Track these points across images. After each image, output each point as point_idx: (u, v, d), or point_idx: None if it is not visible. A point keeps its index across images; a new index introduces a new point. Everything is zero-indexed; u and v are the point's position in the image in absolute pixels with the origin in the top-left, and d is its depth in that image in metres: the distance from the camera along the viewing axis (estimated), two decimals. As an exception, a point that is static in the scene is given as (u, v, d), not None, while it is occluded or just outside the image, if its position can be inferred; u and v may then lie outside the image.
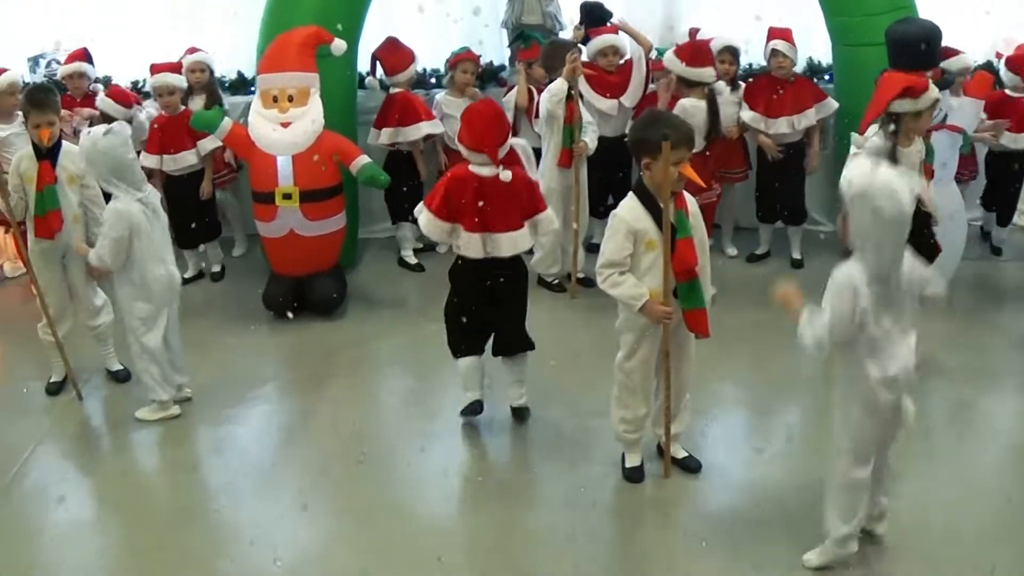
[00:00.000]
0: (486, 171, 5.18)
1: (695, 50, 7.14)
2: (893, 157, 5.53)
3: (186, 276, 7.55)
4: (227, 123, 6.78)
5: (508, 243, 5.25)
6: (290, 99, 6.73)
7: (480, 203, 5.17)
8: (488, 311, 5.42)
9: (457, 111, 7.72)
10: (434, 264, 8.06)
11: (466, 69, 7.87)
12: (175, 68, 7.67)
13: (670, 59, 7.17)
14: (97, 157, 5.34)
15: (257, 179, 6.89)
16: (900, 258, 3.89)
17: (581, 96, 7.08)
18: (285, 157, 6.68)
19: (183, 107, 7.57)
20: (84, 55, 7.99)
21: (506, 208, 5.23)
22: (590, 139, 7.06)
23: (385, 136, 7.73)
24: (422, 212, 5.34)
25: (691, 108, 7.03)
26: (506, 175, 5.16)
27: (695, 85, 7.15)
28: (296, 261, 6.97)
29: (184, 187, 7.64)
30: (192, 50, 7.87)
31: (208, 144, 7.39)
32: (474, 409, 5.54)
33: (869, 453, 4.18)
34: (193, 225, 7.67)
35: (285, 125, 6.68)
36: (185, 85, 7.66)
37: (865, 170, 3.78)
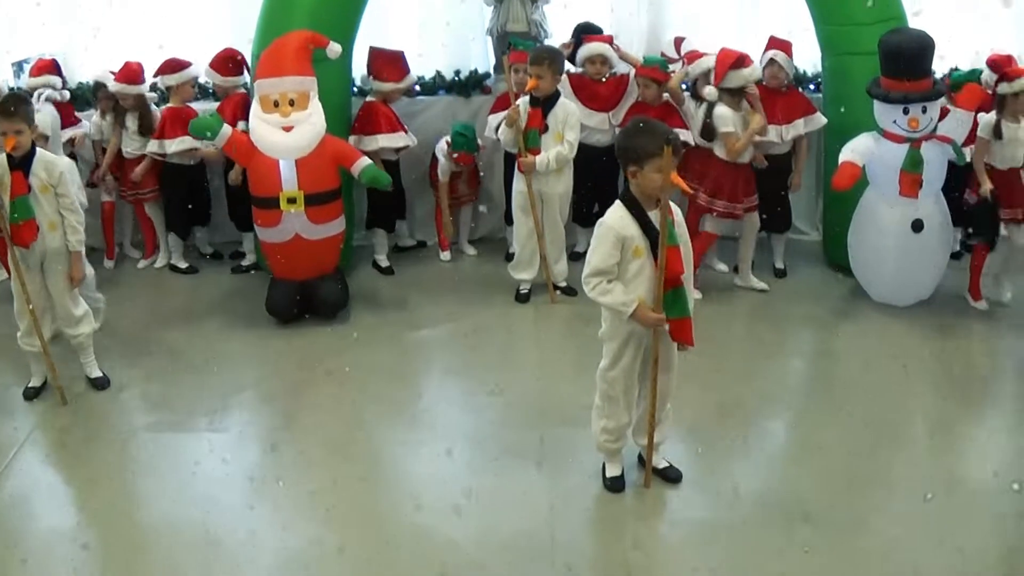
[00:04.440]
0: None
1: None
2: (999, 132, 6.72)
3: (181, 267, 8.33)
4: (227, 129, 6.75)
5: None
6: (291, 103, 6.68)
7: None
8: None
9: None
10: (414, 271, 8.12)
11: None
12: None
13: (709, 92, 7.08)
14: None
15: (259, 184, 6.84)
16: None
17: (543, 106, 7.02)
18: (288, 161, 6.66)
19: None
20: (52, 66, 7.97)
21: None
22: (553, 156, 6.96)
23: (350, 142, 7.69)
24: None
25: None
26: None
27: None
28: (300, 265, 6.95)
29: (181, 176, 8.11)
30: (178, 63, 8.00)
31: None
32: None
33: None
34: (190, 207, 8.23)
35: (287, 129, 6.65)
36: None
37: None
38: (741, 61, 6.98)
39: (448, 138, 7.79)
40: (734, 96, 7.03)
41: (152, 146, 7.90)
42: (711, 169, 7.18)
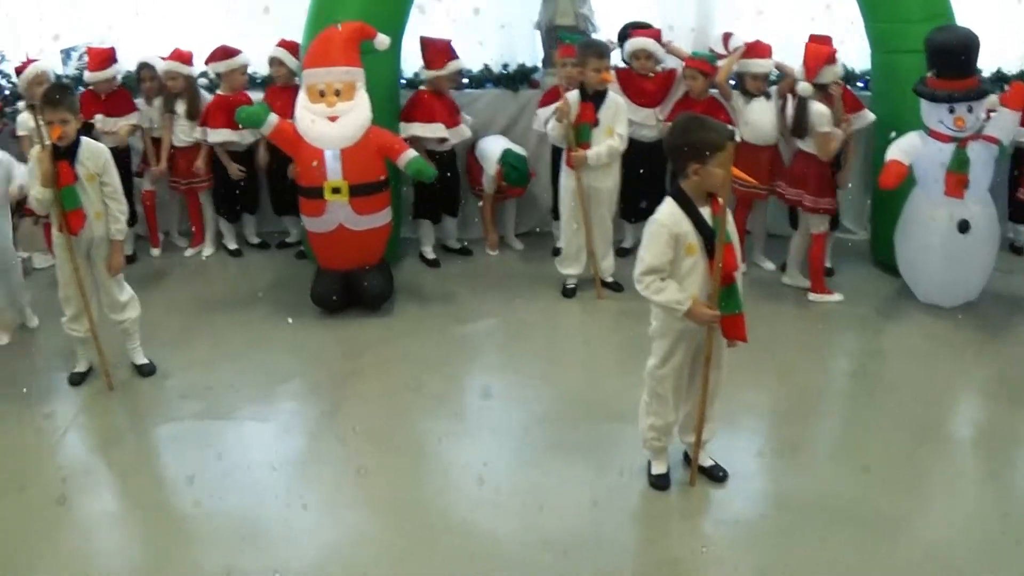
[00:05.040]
0: None
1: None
2: None
3: (231, 248, 8.59)
4: (273, 118, 6.80)
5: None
6: (337, 93, 6.73)
7: None
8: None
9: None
10: (460, 264, 8.15)
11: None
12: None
13: (804, 88, 6.99)
14: None
15: (305, 174, 6.88)
16: None
17: (593, 100, 6.99)
18: (333, 151, 6.68)
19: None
20: (113, 56, 8.01)
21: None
22: (604, 150, 6.96)
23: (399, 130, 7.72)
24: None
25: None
26: None
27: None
28: (345, 256, 6.97)
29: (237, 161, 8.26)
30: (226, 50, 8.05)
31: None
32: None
33: None
34: (237, 193, 8.36)
35: (333, 119, 6.68)
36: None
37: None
38: (833, 56, 6.97)
39: (499, 164, 7.74)
40: (821, 92, 6.99)
41: (198, 133, 7.97)
42: (811, 169, 7.07)
